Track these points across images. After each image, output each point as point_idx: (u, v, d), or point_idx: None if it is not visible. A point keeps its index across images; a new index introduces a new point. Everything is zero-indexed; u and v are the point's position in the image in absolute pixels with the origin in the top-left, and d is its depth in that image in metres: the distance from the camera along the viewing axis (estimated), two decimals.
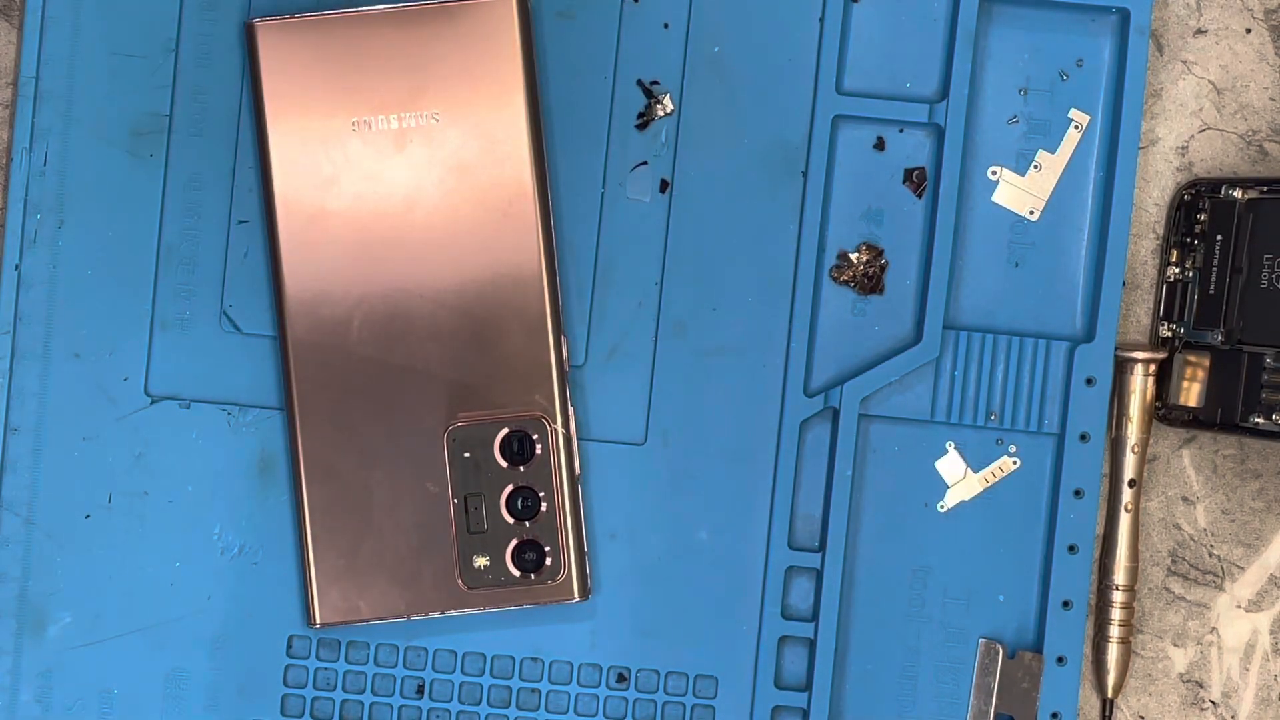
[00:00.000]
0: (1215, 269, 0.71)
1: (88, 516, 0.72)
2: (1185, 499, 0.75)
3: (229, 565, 0.72)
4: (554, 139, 0.72)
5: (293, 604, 0.72)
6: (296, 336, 0.71)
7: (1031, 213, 0.73)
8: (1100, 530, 0.74)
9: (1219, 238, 0.71)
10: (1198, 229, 0.72)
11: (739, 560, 0.73)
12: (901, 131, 0.73)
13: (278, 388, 0.72)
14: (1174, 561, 0.75)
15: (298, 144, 0.70)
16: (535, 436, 0.71)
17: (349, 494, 0.71)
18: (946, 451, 0.73)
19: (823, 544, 0.72)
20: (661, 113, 0.72)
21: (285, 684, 0.73)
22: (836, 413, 0.72)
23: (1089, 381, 0.72)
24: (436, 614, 0.71)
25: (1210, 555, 0.75)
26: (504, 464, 0.71)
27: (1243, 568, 0.75)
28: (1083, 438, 0.72)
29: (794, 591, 0.73)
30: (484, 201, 0.71)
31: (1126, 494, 0.73)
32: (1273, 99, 0.74)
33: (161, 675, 0.72)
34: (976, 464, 0.73)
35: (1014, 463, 0.73)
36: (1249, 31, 0.74)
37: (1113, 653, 0.73)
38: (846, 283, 0.73)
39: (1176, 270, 0.73)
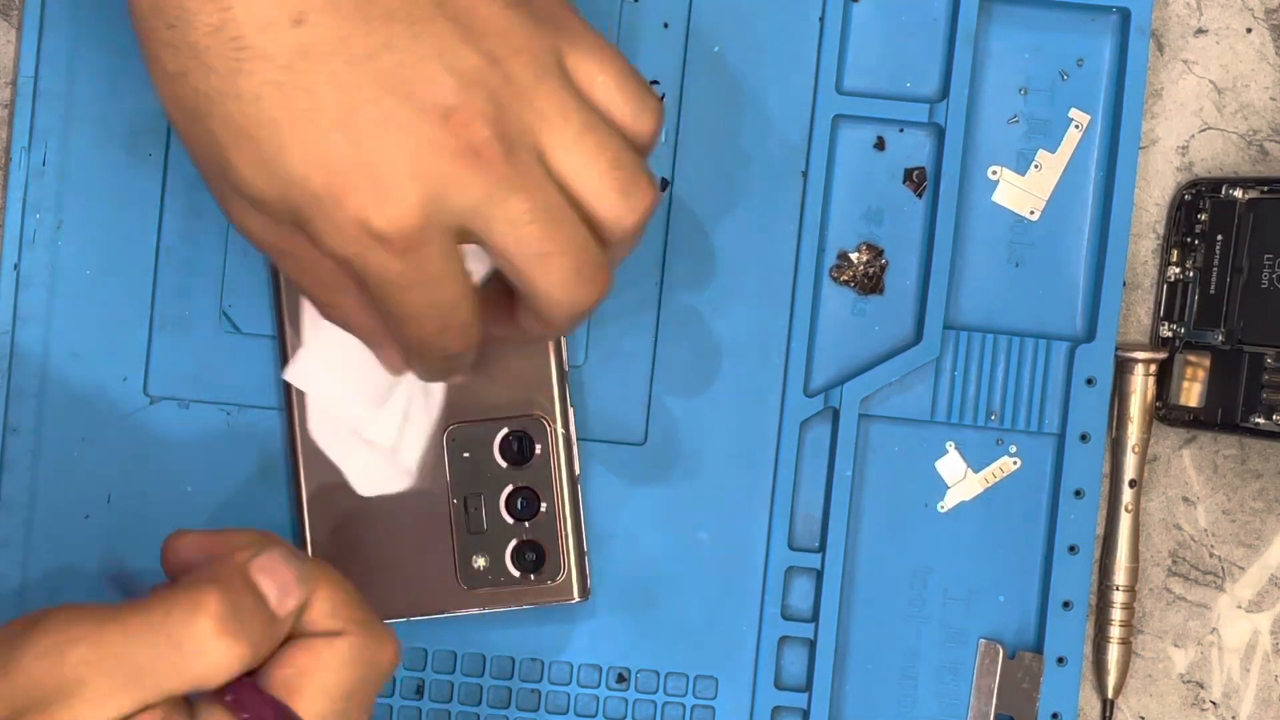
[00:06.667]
0: (1216, 269, 0.71)
1: (87, 517, 0.72)
2: (1186, 499, 0.75)
3: None
4: None
5: None
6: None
7: (1032, 213, 0.73)
8: (1100, 530, 0.73)
9: (1219, 238, 0.71)
10: (1198, 229, 0.72)
11: (739, 560, 0.73)
12: (901, 131, 0.73)
13: (278, 388, 0.72)
14: (1174, 562, 0.75)
15: None
16: (535, 437, 0.71)
17: (349, 494, 0.70)
18: (946, 451, 0.73)
19: (823, 544, 0.72)
20: None
21: None
22: (836, 413, 0.72)
23: (1089, 381, 0.72)
24: (436, 614, 0.71)
25: (1211, 555, 0.75)
26: (504, 464, 0.71)
27: (1243, 568, 0.75)
28: (1083, 438, 0.72)
29: (794, 591, 0.73)
30: None
31: (1127, 494, 0.73)
32: (1273, 99, 0.74)
33: None
34: (977, 464, 0.73)
35: (1014, 463, 0.73)
36: (1249, 31, 0.74)
37: (1113, 653, 0.73)
38: (846, 283, 0.73)
39: (1177, 270, 0.73)
